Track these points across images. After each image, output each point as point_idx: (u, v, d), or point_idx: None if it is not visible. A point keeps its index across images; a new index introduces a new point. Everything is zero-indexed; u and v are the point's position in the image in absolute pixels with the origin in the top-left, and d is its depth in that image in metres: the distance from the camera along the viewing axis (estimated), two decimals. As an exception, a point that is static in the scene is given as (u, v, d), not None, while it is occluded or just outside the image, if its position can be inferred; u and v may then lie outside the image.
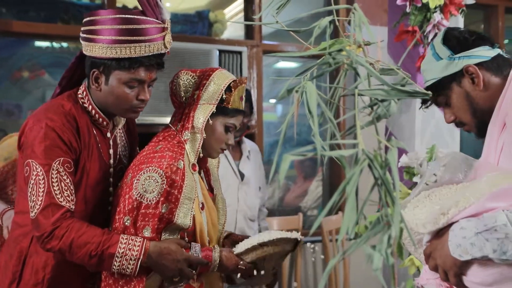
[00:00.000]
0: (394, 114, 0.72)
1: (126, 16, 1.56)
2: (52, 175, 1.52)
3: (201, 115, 1.67)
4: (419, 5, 2.49)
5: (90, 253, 1.51)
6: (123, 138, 1.82)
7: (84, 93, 1.67)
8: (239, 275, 1.75)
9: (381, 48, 0.83)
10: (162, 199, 1.57)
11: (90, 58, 1.61)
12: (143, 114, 1.77)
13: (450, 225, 1.27)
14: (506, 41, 4.53)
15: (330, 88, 0.78)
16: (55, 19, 3.70)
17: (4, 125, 3.61)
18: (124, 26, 1.55)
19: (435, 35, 2.54)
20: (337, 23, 0.82)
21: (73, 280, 1.68)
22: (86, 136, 1.64)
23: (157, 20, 1.59)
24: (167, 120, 3.30)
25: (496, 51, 1.45)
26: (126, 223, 1.58)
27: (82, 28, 1.62)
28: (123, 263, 1.53)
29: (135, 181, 1.58)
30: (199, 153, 1.69)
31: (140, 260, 1.53)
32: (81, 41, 1.63)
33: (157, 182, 1.57)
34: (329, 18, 0.79)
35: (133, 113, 1.67)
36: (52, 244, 1.51)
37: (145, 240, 1.56)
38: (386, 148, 0.69)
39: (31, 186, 1.53)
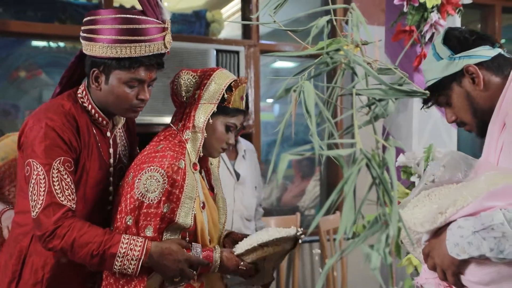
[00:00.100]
0: (392, 114, 0.72)
1: (127, 16, 1.56)
2: (53, 175, 1.53)
3: (202, 114, 1.67)
4: (416, 4, 2.49)
5: (92, 253, 1.51)
6: (123, 138, 1.82)
7: (84, 92, 1.67)
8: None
9: (378, 47, 0.83)
10: (163, 198, 1.58)
11: (90, 57, 1.62)
12: (141, 114, 1.77)
13: (448, 224, 1.27)
14: (503, 41, 4.53)
15: (328, 87, 0.78)
16: (52, 19, 3.69)
17: (1, 125, 3.60)
18: (124, 26, 1.55)
19: (432, 34, 2.55)
20: (334, 23, 0.82)
21: (72, 279, 1.69)
22: (86, 135, 1.64)
23: (157, 20, 1.59)
24: (165, 120, 3.33)
25: (497, 50, 1.45)
26: (128, 223, 1.58)
27: (82, 28, 1.62)
28: (125, 263, 1.53)
29: (137, 180, 1.59)
30: (200, 153, 1.69)
31: (141, 260, 1.54)
32: (81, 40, 1.63)
33: (159, 181, 1.57)
34: (327, 17, 0.79)
35: (133, 113, 1.68)
36: (54, 243, 1.52)
37: (147, 240, 1.56)
38: (384, 147, 0.69)
39: (32, 185, 1.54)
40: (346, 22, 0.78)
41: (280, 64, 4.90)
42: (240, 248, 1.71)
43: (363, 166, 0.64)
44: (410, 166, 2.31)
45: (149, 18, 1.58)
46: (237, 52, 3.60)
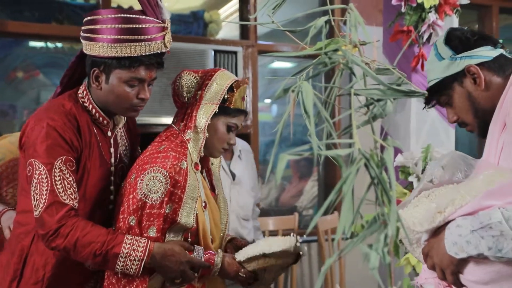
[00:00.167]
0: (390, 114, 0.72)
1: (127, 15, 1.58)
2: (55, 174, 1.54)
3: (203, 115, 1.69)
4: (414, 5, 2.49)
5: (95, 252, 1.52)
6: (124, 138, 1.83)
7: (84, 92, 1.68)
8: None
9: (376, 48, 0.83)
10: (166, 199, 1.59)
11: (90, 57, 1.63)
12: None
13: (447, 223, 1.28)
14: (500, 41, 4.54)
15: (326, 87, 0.78)
16: (50, 19, 3.69)
17: (-1, 126, 3.60)
18: (124, 26, 1.57)
19: (430, 35, 2.55)
20: (332, 23, 0.82)
21: (73, 278, 1.70)
22: (87, 135, 1.65)
23: (157, 20, 1.61)
24: (162, 120, 3.33)
25: (499, 51, 1.45)
26: (131, 223, 1.59)
27: (83, 28, 1.64)
28: (127, 263, 1.54)
29: (139, 181, 1.60)
30: (202, 153, 1.71)
31: (144, 260, 1.55)
32: (81, 40, 1.64)
33: (161, 182, 1.59)
34: (325, 18, 0.79)
35: (133, 112, 1.69)
36: (57, 243, 1.52)
37: (149, 241, 1.57)
38: (382, 147, 0.69)
39: (34, 185, 1.55)
40: (344, 23, 0.78)
41: (278, 64, 4.90)
42: (242, 255, 1.71)
43: (362, 166, 0.64)
44: (408, 166, 2.32)
45: (149, 18, 1.59)
46: (235, 53, 3.60)
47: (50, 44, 3.86)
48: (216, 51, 3.52)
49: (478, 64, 1.43)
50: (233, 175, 3.04)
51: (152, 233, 1.59)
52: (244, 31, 3.91)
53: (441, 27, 2.52)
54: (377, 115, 0.70)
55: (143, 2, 1.59)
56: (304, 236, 3.78)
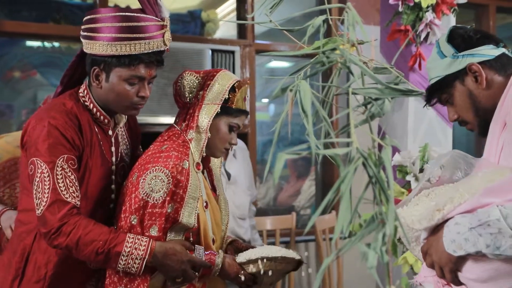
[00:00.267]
0: (387, 113, 0.72)
1: (126, 14, 1.59)
2: (57, 172, 1.55)
3: (205, 115, 1.70)
4: (411, 4, 2.50)
5: (97, 251, 1.53)
6: (125, 137, 1.84)
7: (85, 91, 1.69)
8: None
9: (373, 47, 0.83)
10: (168, 198, 1.60)
11: (90, 56, 1.64)
12: (135, 114, 1.78)
13: (446, 221, 1.28)
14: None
15: (323, 87, 0.78)
16: (47, 19, 3.68)
17: (-5, 126, 3.59)
18: (124, 24, 1.58)
19: (428, 34, 2.55)
20: (330, 22, 0.82)
21: (75, 277, 1.70)
22: (88, 134, 1.66)
23: (156, 18, 1.62)
24: (159, 120, 3.33)
25: (501, 50, 1.45)
26: (133, 222, 1.60)
27: (83, 27, 1.65)
28: (129, 262, 1.55)
29: (141, 180, 1.61)
30: (203, 153, 1.72)
31: (145, 259, 1.56)
32: (81, 39, 1.65)
33: (163, 181, 1.60)
34: (323, 17, 0.79)
35: (134, 110, 1.70)
36: (60, 241, 1.53)
37: (151, 240, 1.58)
38: (380, 146, 0.69)
39: (36, 183, 1.55)
40: (342, 22, 0.78)
41: (275, 64, 4.90)
42: (243, 257, 1.72)
43: (360, 165, 0.64)
44: (405, 165, 2.32)
45: (148, 16, 1.61)
46: (233, 52, 3.60)
47: (47, 44, 3.85)
48: (213, 51, 3.51)
49: (480, 63, 1.43)
50: (228, 175, 3.03)
51: (154, 232, 1.60)
52: (242, 31, 3.90)
53: (438, 26, 2.53)
54: (375, 114, 0.70)
55: (142, 1, 1.61)
56: (302, 235, 3.78)
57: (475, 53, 1.44)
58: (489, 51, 1.44)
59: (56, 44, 3.87)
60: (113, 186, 1.74)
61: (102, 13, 1.61)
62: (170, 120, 3.35)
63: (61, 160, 1.56)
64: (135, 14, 1.59)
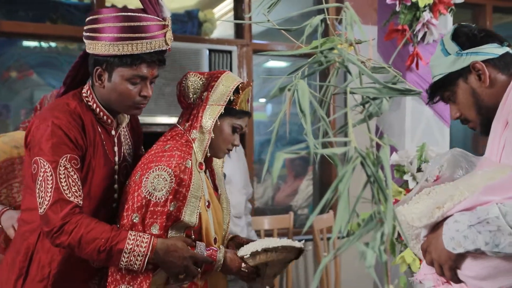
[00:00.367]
0: (385, 113, 0.72)
1: (128, 14, 1.60)
2: (60, 172, 1.55)
3: (209, 115, 1.71)
4: (409, 4, 2.50)
5: (99, 249, 1.54)
6: (127, 137, 1.85)
7: (89, 91, 1.70)
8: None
9: (371, 47, 0.83)
10: (170, 197, 1.61)
11: (93, 56, 1.65)
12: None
13: (445, 219, 1.28)
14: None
15: (321, 86, 0.78)
16: (44, 19, 3.68)
17: (-8, 126, 3.58)
18: (126, 24, 1.59)
19: (425, 34, 2.56)
20: (328, 22, 0.82)
21: (78, 275, 1.71)
22: (91, 133, 1.67)
23: (158, 18, 1.63)
24: (157, 119, 3.32)
25: (505, 49, 1.46)
26: (135, 220, 1.61)
27: (85, 27, 1.66)
28: (131, 259, 1.56)
29: (144, 179, 1.62)
30: (207, 153, 1.73)
31: (147, 256, 1.56)
32: (84, 39, 1.67)
33: (166, 180, 1.61)
34: (321, 16, 0.79)
35: (136, 110, 1.71)
36: (62, 240, 1.54)
37: (153, 236, 1.59)
38: (378, 146, 0.69)
39: (39, 183, 1.56)
40: (339, 22, 0.78)
41: (272, 63, 4.90)
42: (244, 250, 1.74)
43: (358, 165, 0.64)
44: (403, 165, 2.32)
45: (149, 16, 1.62)
46: (230, 52, 3.60)
47: (44, 44, 3.85)
48: (211, 50, 3.51)
49: (483, 61, 1.44)
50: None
51: (155, 230, 1.61)
52: (239, 30, 3.90)
53: (435, 26, 2.53)
54: (373, 113, 0.70)
55: (144, 1, 1.62)
56: (300, 235, 3.78)
57: (479, 52, 1.44)
58: (493, 50, 1.45)
59: (53, 44, 3.86)
60: (116, 186, 1.75)
61: (104, 14, 1.62)
62: (167, 120, 3.37)
63: (64, 159, 1.57)
64: (137, 14, 1.61)
